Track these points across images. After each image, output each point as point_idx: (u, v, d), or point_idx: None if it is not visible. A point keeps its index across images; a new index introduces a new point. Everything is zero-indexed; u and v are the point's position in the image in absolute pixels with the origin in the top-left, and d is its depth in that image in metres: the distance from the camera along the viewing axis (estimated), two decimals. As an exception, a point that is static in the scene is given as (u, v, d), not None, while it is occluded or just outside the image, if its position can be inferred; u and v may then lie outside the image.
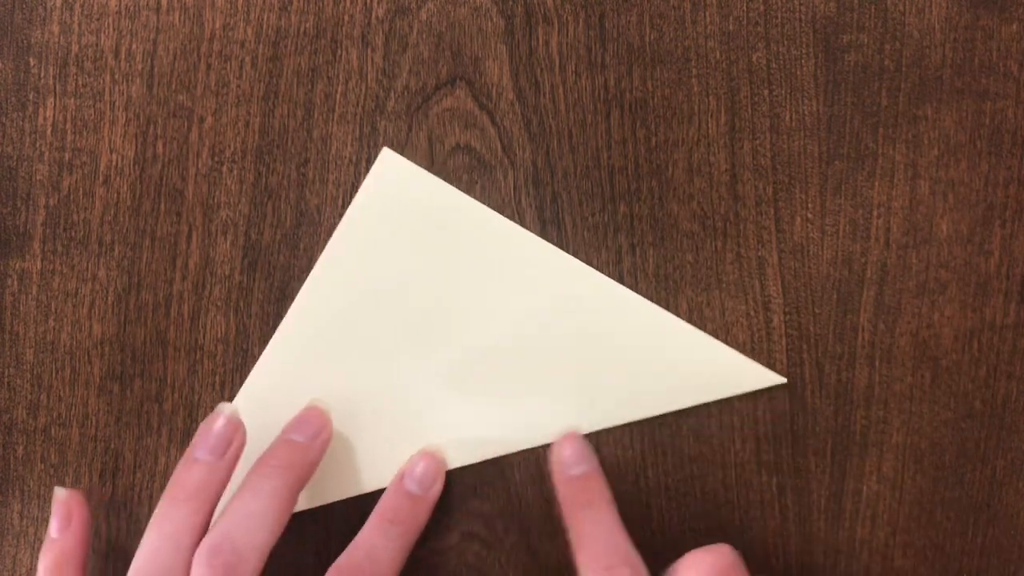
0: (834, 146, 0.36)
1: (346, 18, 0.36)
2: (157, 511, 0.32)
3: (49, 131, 0.36)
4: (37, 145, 0.36)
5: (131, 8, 0.36)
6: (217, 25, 0.36)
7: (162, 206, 0.36)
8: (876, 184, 0.36)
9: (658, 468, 0.36)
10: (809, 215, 0.36)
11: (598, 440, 0.36)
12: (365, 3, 0.36)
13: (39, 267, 0.36)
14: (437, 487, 0.35)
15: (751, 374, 0.35)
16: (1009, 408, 0.36)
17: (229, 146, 0.36)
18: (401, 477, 0.35)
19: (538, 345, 0.35)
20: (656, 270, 0.36)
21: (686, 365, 0.35)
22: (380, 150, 0.36)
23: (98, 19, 0.36)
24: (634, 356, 0.35)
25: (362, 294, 0.36)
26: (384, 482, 0.35)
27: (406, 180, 0.36)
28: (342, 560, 0.33)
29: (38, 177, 0.36)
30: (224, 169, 0.36)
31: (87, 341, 0.36)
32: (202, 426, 0.33)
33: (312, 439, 0.34)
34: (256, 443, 0.33)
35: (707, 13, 0.36)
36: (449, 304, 0.36)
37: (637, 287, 0.36)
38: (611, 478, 0.36)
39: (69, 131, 0.36)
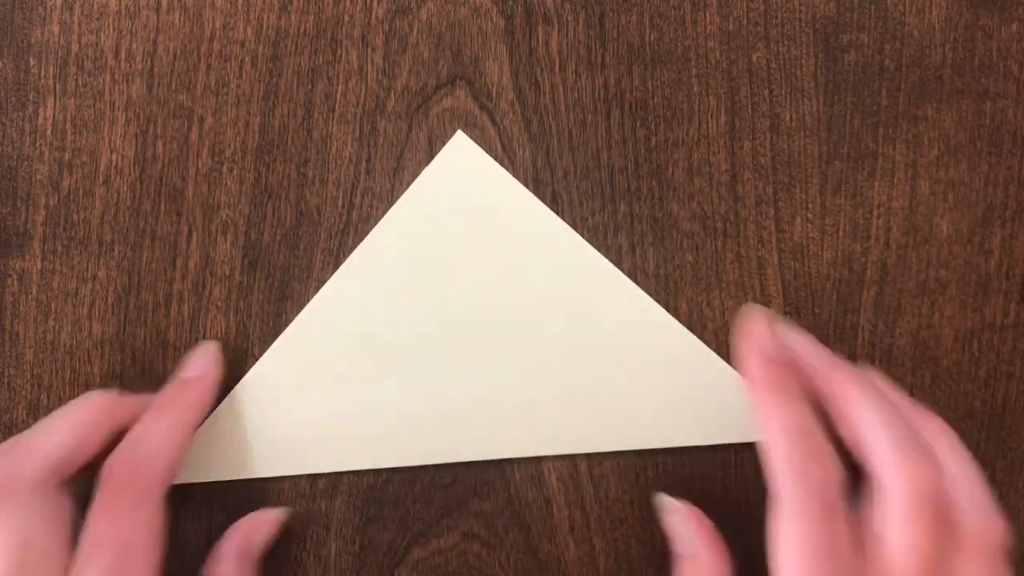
0: (834, 146, 0.36)
1: (346, 18, 0.36)
2: (143, 417, 0.33)
3: (49, 131, 0.36)
4: (37, 145, 0.36)
5: (131, 8, 0.36)
6: (217, 25, 0.36)
7: (162, 206, 0.36)
8: (876, 184, 0.36)
9: (658, 468, 0.36)
10: (809, 215, 0.36)
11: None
12: (365, 3, 0.36)
13: (39, 267, 0.36)
14: (210, 371, 0.35)
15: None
16: (1009, 408, 0.36)
17: (229, 146, 0.36)
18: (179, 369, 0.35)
19: (565, 354, 0.35)
20: (656, 270, 0.36)
21: (715, 405, 0.35)
22: (455, 133, 0.36)
23: (98, 19, 0.36)
24: (663, 384, 0.35)
25: (406, 273, 0.36)
26: (403, 459, 0.35)
27: (474, 166, 0.36)
28: (112, 452, 0.31)
29: (38, 177, 0.36)
30: (224, 169, 0.36)
31: (87, 341, 0.36)
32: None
33: (197, 372, 0.34)
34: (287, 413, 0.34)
35: (707, 13, 0.36)
36: (483, 296, 0.36)
37: (642, 283, 0.36)
38: (611, 477, 0.36)
39: (69, 131, 0.36)
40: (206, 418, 0.35)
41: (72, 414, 0.32)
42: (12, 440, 0.31)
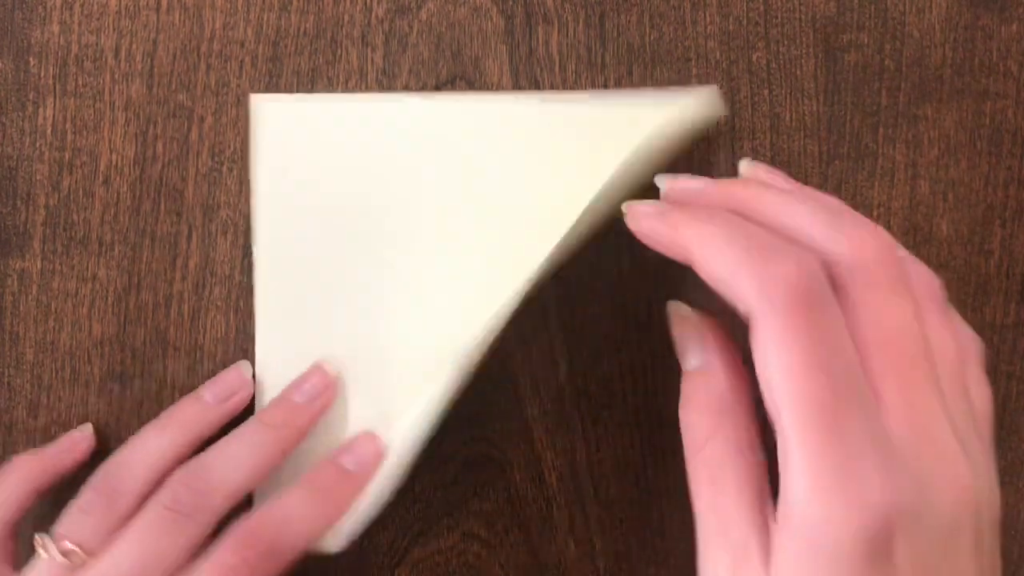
0: (834, 146, 0.36)
1: (346, 18, 0.36)
2: (140, 431, 0.33)
3: (49, 131, 0.36)
4: (37, 145, 0.36)
5: (131, 8, 0.36)
6: (217, 25, 0.36)
7: (162, 206, 0.36)
8: (876, 184, 0.36)
9: (658, 468, 0.36)
10: (809, 215, 0.36)
11: (597, 439, 0.36)
12: (365, 3, 0.36)
13: (39, 267, 0.36)
14: (372, 469, 0.33)
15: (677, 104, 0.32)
16: (1009, 408, 0.36)
17: (229, 146, 0.36)
18: (338, 453, 0.33)
19: (483, 199, 0.34)
20: (656, 270, 0.36)
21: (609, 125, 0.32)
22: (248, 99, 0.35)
23: (98, 19, 0.36)
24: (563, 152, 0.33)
25: (314, 239, 0.35)
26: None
27: (293, 116, 0.35)
28: (256, 513, 0.31)
29: (38, 177, 0.36)
30: (224, 169, 0.36)
31: (87, 341, 0.36)
32: (216, 376, 0.35)
33: (310, 401, 0.34)
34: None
35: (707, 13, 0.36)
36: (400, 204, 0.34)
37: (638, 286, 0.36)
38: (611, 477, 0.36)
39: (69, 131, 0.36)
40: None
41: (259, 443, 0.32)
42: (196, 464, 0.32)
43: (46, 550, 0.30)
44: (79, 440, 0.35)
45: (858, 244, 0.25)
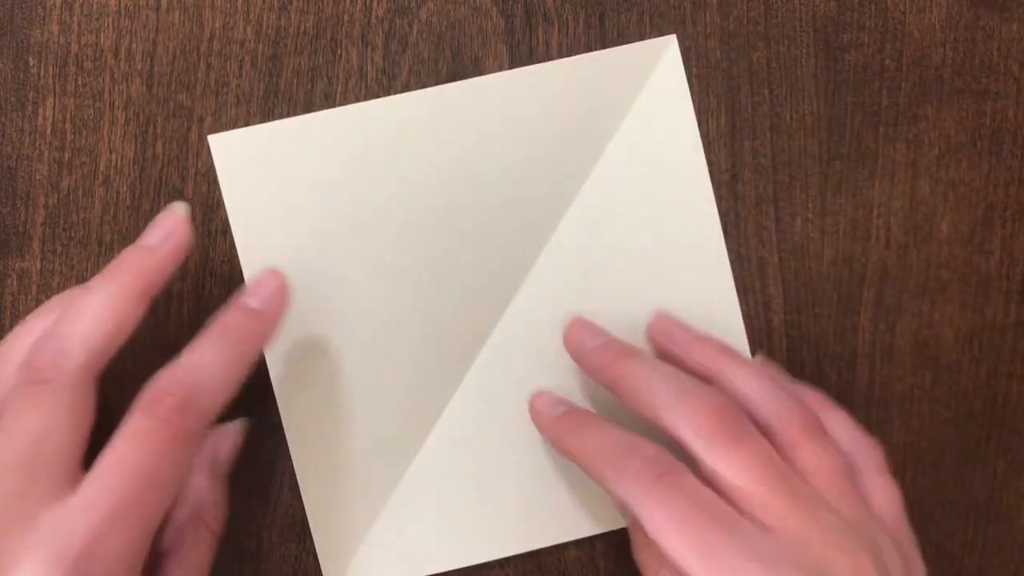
0: (834, 146, 0.36)
1: (346, 18, 0.36)
2: (85, 286, 0.29)
3: (49, 131, 0.36)
4: (37, 145, 0.36)
5: (131, 8, 0.36)
6: (217, 24, 0.36)
7: (162, 206, 0.36)
8: (876, 184, 0.36)
9: (658, 468, 0.36)
10: (809, 215, 0.36)
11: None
12: (365, 3, 0.36)
13: (39, 267, 0.36)
14: (276, 304, 0.31)
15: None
16: (1009, 408, 0.36)
17: (229, 146, 0.36)
18: (240, 294, 0.32)
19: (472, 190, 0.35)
20: (656, 270, 0.36)
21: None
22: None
23: (98, 19, 0.36)
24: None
25: (302, 253, 0.35)
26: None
27: (251, 147, 0.35)
28: (160, 372, 0.29)
29: (38, 177, 0.36)
30: (224, 169, 0.36)
31: (87, 341, 0.36)
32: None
33: (266, 304, 0.31)
34: None
35: (707, 13, 0.36)
36: (380, 202, 0.35)
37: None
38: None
39: (69, 131, 0.36)
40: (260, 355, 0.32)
41: (112, 287, 0.29)
42: (50, 326, 0.28)
43: None
44: (176, 225, 0.31)
45: (694, 411, 0.29)
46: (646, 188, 0.35)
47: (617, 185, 0.35)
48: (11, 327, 0.36)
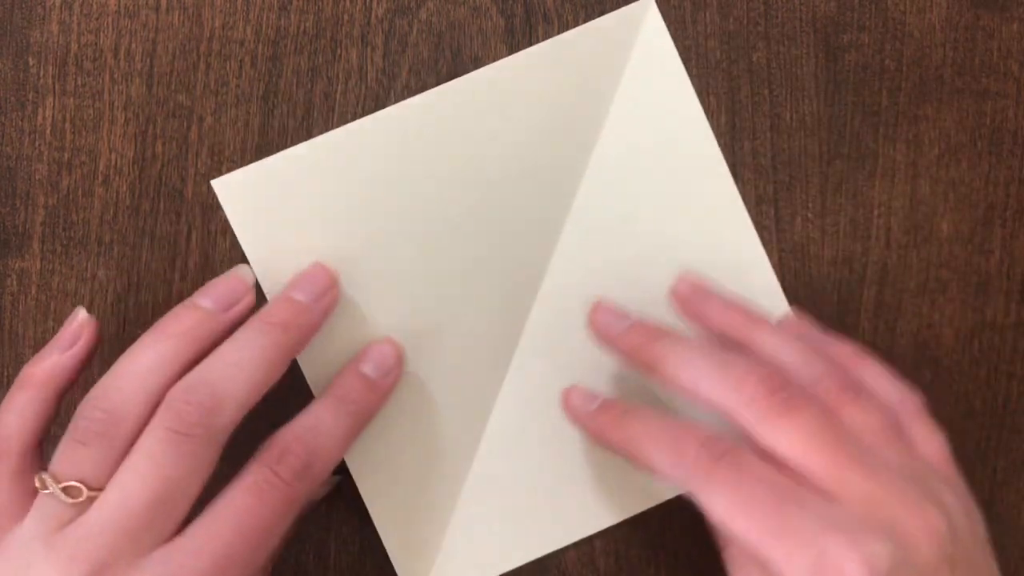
0: (834, 146, 0.36)
1: (346, 18, 0.36)
2: (130, 348, 0.29)
3: (48, 131, 0.36)
4: (36, 145, 0.36)
5: (130, 7, 0.36)
6: (216, 24, 0.36)
7: (162, 206, 0.36)
8: (876, 184, 0.36)
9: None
10: (809, 215, 0.36)
11: (598, 440, 0.36)
12: (365, 3, 0.36)
13: (39, 267, 0.36)
14: (393, 376, 0.33)
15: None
16: (1009, 408, 0.36)
17: (229, 146, 0.36)
18: (357, 360, 0.33)
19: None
20: (656, 270, 0.36)
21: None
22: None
23: (97, 18, 0.36)
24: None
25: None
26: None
27: (256, 185, 0.34)
28: (283, 431, 0.30)
29: (37, 177, 0.36)
30: (224, 169, 0.36)
31: (87, 341, 0.36)
32: (211, 281, 0.31)
33: (315, 300, 0.32)
34: None
35: (707, 13, 0.36)
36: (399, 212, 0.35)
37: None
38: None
39: (68, 131, 0.36)
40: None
41: (266, 342, 0.30)
42: (200, 373, 0.29)
43: (47, 488, 0.28)
44: (79, 328, 0.31)
45: (739, 383, 0.28)
46: (651, 153, 0.35)
47: (623, 156, 0.35)
48: (11, 327, 0.36)
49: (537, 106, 0.35)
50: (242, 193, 0.35)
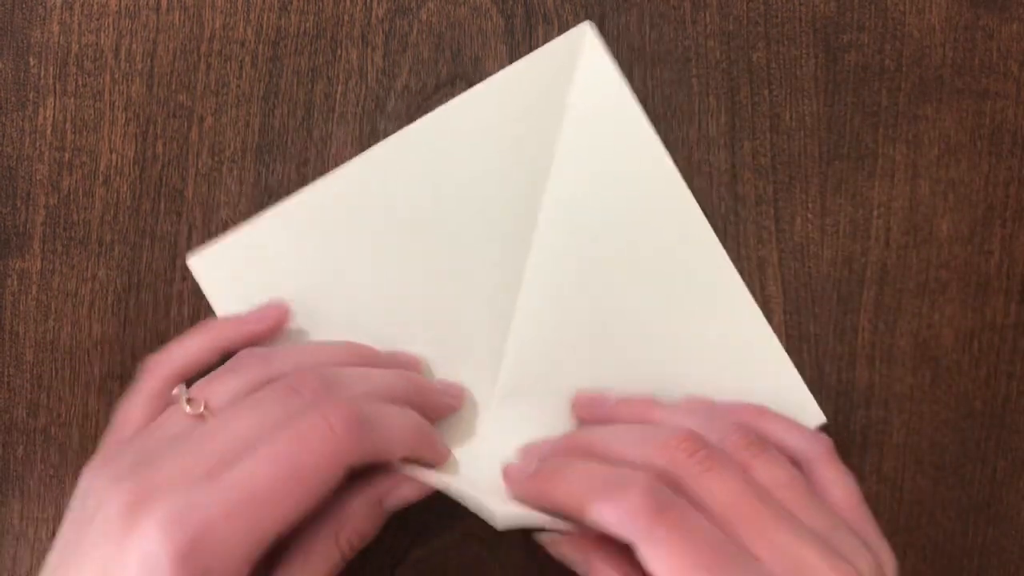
0: (834, 146, 0.36)
1: (346, 18, 0.36)
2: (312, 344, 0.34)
3: (49, 131, 0.36)
4: (37, 145, 0.36)
5: (131, 8, 0.36)
6: (217, 25, 0.36)
7: (162, 206, 0.36)
8: (876, 184, 0.36)
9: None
10: (809, 215, 0.36)
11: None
12: (365, 3, 0.36)
13: (39, 267, 0.36)
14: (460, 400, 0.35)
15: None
16: (1009, 408, 0.36)
17: (229, 146, 0.36)
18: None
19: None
20: (656, 270, 0.36)
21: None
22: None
23: (98, 19, 0.36)
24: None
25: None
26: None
27: (231, 258, 0.35)
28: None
29: (38, 177, 0.36)
30: (224, 169, 0.36)
31: (87, 341, 0.36)
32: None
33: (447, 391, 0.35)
34: None
35: (707, 13, 0.36)
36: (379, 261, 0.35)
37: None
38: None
39: (69, 131, 0.36)
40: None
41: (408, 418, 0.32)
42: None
43: (178, 400, 0.30)
44: (273, 310, 0.34)
45: (663, 446, 0.29)
46: (605, 175, 0.35)
47: (578, 184, 0.35)
48: (11, 327, 0.36)
49: (487, 143, 0.35)
50: (217, 266, 0.35)
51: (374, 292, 0.35)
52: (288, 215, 0.35)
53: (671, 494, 0.28)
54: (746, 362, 0.35)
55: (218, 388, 0.30)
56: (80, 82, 0.36)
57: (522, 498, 0.32)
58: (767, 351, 0.35)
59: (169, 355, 0.33)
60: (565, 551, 0.31)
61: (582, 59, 0.35)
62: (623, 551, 0.28)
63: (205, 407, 0.30)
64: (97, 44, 0.36)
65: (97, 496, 0.27)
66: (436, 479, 0.32)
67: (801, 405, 0.35)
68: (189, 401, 0.30)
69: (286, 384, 0.30)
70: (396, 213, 0.35)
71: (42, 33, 0.36)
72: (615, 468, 0.29)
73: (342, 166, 0.35)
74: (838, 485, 0.31)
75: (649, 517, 0.27)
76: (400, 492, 0.33)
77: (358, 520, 0.31)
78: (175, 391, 0.31)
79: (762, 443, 0.31)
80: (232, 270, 0.35)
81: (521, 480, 0.33)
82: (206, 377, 0.31)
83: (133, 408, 0.32)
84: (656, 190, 0.35)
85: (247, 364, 0.31)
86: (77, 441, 0.36)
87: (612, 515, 0.28)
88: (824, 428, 0.36)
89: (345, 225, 0.35)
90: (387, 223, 0.35)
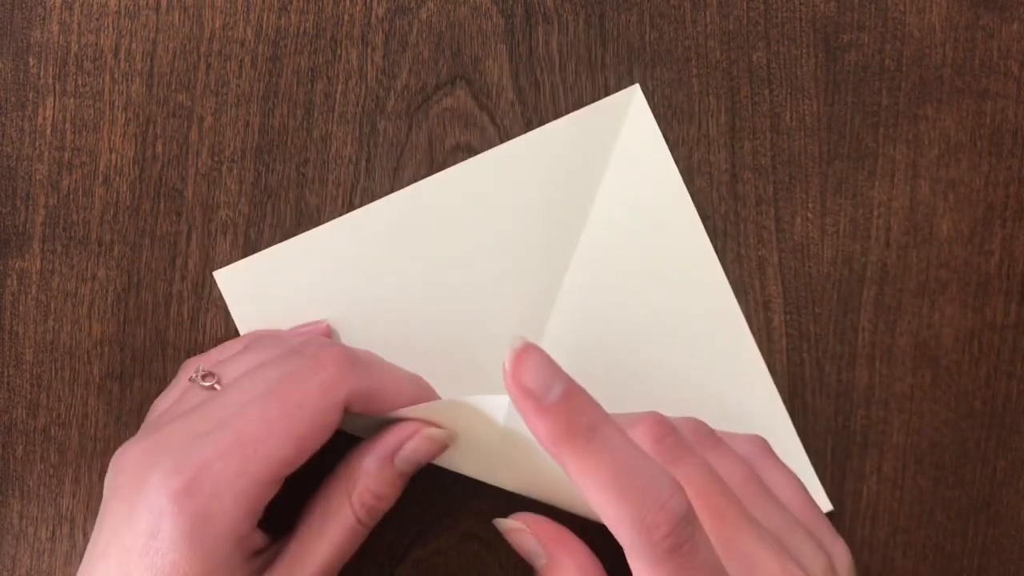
0: (834, 146, 0.36)
1: (346, 18, 0.36)
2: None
3: (49, 131, 0.36)
4: (37, 145, 0.36)
5: (131, 8, 0.36)
6: (217, 25, 0.36)
7: (162, 206, 0.36)
8: (876, 184, 0.36)
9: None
10: (809, 215, 0.36)
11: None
12: (365, 3, 0.36)
13: (39, 267, 0.36)
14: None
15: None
16: (1009, 408, 0.36)
17: (229, 146, 0.36)
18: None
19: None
20: (656, 270, 0.36)
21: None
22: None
23: (98, 19, 0.36)
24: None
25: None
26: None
27: (258, 276, 0.36)
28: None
29: (38, 177, 0.36)
30: (224, 169, 0.36)
31: (87, 341, 0.36)
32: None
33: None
34: None
35: (707, 13, 0.36)
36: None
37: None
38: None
39: (69, 131, 0.36)
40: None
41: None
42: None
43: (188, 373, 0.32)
44: (313, 328, 0.35)
45: (630, 425, 0.29)
46: (639, 235, 0.36)
47: (611, 241, 0.36)
48: (11, 327, 0.36)
49: (526, 192, 0.36)
50: (242, 282, 0.36)
51: (398, 325, 0.35)
52: (321, 239, 0.36)
53: (697, 524, 0.25)
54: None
55: (233, 365, 0.32)
56: (80, 82, 0.36)
57: (526, 416, 0.27)
58: (782, 434, 0.35)
59: (207, 356, 0.34)
60: (528, 543, 0.31)
61: (628, 119, 0.36)
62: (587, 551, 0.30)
63: (218, 382, 0.31)
64: (97, 44, 0.36)
65: (114, 467, 0.29)
66: (439, 403, 0.32)
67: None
68: (204, 376, 0.32)
69: (291, 347, 0.31)
70: (430, 249, 0.36)
71: (42, 33, 0.36)
72: (651, 464, 0.25)
73: (376, 202, 0.35)
74: (787, 485, 0.31)
75: (665, 552, 0.25)
76: (411, 446, 0.31)
77: (370, 478, 0.31)
78: (194, 372, 0.32)
79: (715, 436, 0.31)
80: (258, 287, 0.35)
81: (532, 404, 0.25)
82: (225, 358, 0.33)
83: (164, 399, 0.33)
84: (687, 256, 0.36)
85: (264, 343, 0.32)
86: (77, 441, 0.36)
87: (627, 533, 0.25)
88: (824, 430, 0.36)
89: (377, 256, 0.35)
90: (420, 258, 0.35)
